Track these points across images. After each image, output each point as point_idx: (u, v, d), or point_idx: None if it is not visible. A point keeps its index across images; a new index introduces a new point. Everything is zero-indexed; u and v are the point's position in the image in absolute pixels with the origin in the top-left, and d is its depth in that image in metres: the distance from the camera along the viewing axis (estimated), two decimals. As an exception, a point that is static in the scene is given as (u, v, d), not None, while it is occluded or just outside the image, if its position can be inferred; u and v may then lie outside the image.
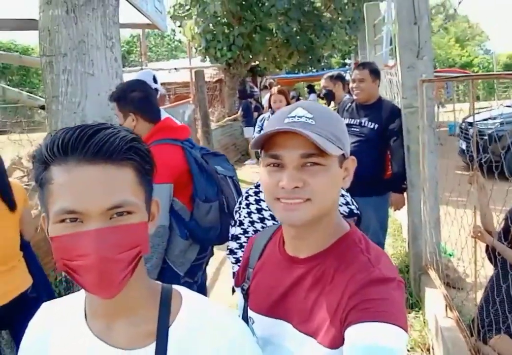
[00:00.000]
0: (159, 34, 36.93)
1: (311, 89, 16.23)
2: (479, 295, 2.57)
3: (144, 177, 0.84)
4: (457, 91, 18.61)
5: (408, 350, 3.10)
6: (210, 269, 4.69)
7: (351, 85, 3.79)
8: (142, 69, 6.74)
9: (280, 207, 0.96)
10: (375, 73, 3.70)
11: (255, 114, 11.88)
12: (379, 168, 3.70)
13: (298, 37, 12.01)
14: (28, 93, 4.01)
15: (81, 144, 0.78)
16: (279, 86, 5.68)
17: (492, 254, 2.29)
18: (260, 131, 5.26)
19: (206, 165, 2.33)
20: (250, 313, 1.13)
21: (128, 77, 3.81)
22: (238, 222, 1.87)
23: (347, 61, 24.32)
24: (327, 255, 1.02)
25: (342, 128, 1.02)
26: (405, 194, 3.71)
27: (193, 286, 2.39)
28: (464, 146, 8.37)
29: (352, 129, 3.72)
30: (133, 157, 0.81)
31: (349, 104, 3.88)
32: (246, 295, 1.17)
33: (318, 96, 4.95)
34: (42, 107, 3.72)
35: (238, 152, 13.00)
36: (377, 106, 3.70)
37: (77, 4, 2.77)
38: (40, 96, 4.16)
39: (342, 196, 1.92)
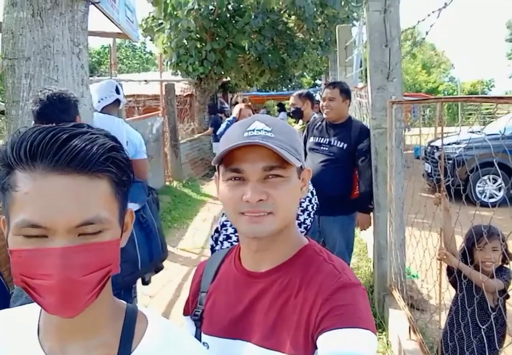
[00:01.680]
0: (130, 46, 36.78)
1: (281, 108, 16.34)
2: (443, 317, 2.56)
3: (121, 188, 0.77)
4: (423, 116, 19.10)
5: (370, 373, 3.05)
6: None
7: (321, 103, 3.79)
8: (110, 77, 6.61)
9: (244, 220, 0.96)
10: (346, 92, 3.71)
11: (226, 129, 11.83)
12: (347, 188, 3.69)
13: (270, 55, 12.10)
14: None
15: (52, 150, 0.69)
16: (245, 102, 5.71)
17: (457, 276, 2.27)
18: (228, 126, 5.21)
19: None
20: (204, 338, 1.08)
21: (93, 86, 3.72)
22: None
23: (317, 81, 24.67)
24: (290, 266, 1.02)
25: (298, 140, 1.03)
26: (371, 214, 3.70)
27: None
28: (429, 169, 8.53)
29: (321, 148, 3.72)
30: (110, 169, 0.73)
31: (319, 123, 3.88)
32: (199, 320, 1.11)
33: (288, 115, 4.96)
34: (2, 112, 3.57)
35: (206, 167, 12.92)
36: (346, 126, 3.70)
37: (44, 8, 2.68)
38: (1, 101, 4.01)
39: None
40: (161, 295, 4.37)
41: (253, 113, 4.96)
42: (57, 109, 2.27)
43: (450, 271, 2.37)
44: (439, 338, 2.39)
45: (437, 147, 8.63)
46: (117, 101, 3.61)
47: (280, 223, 0.97)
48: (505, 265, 2.25)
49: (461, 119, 20.77)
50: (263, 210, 0.94)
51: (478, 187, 7.77)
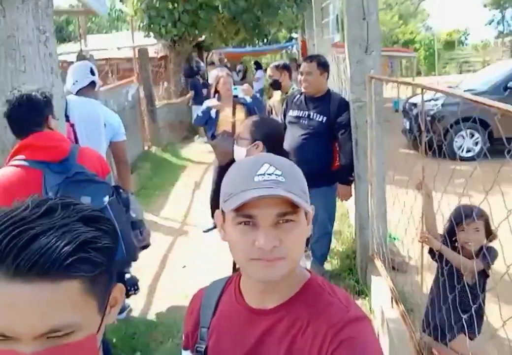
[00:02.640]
0: (99, 3, 35.21)
1: (258, 66, 16.09)
2: (425, 279, 2.63)
3: (96, 282, 0.70)
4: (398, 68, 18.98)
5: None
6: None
7: (299, 78, 3.76)
8: (81, 49, 6.41)
9: (256, 266, 0.95)
10: (323, 66, 3.68)
11: (204, 91, 11.65)
12: (327, 160, 3.72)
13: (245, 14, 11.74)
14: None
15: (10, 256, 0.63)
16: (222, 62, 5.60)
17: (438, 259, 2.35)
18: (205, 113, 5.10)
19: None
20: None
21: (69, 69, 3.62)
22: None
23: (294, 35, 24.16)
24: (296, 302, 1.02)
25: (304, 181, 1.01)
26: (352, 185, 3.76)
27: None
28: (407, 126, 8.58)
29: (301, 121, 3.72)
30: (78, 271, 0.66)
31: (298, 96, 3.85)
32: None
33: (271, 85, 4.89)
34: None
35: (185, 130, 12.79)
36: (325, 99, 3.69)
37: (4, -4, 2.56)
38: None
39: None
40: (145, 267, 4.39)
41: (231, 76, 4.95)
42: (26, 110, 2.19)
43: (432, 252, 2.45)
44: (423, 310, 2.50)
45: (414, 104, 8.66)
46: (93, 83, 3.52)
47: (291, 267, 0.97)
48: (490, 244, 2.31)
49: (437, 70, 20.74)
50: (275, 256, 0.93)
51: (456, 142, 7.87)
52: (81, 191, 2.07)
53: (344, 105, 3.61)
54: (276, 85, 4.77)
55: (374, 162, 3.31)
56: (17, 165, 2.10)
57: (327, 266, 4.17)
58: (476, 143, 8.12)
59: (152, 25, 11.59)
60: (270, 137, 2.31)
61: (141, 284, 4.17)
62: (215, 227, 5.56)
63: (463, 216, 2.10)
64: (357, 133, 3.51)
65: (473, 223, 2.22)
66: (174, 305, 3.86)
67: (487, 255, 2.14)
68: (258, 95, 5.44)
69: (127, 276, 2.50)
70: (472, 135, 8.12)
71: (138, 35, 13.19)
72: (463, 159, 7.25)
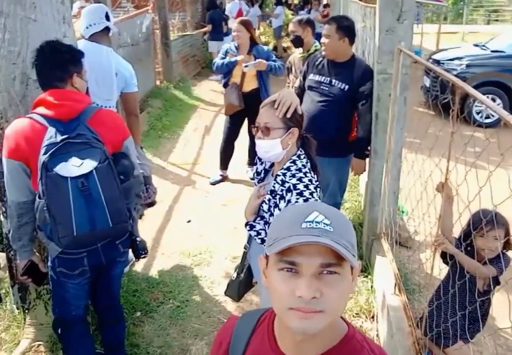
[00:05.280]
0: None
1: (278, 1, 15.28)
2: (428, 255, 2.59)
3: None
4: (425, 15, 18.08)
5: (353, 316, 3.21)
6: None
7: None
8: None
9: (294, 316, 0.92)
10: (344, 30, 3.44)
11: (223, 26, 11.15)
12: (344, 130, 3.58)
13: None
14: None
15: None
16: (245, 18, 5.29)
17: (449, 260, 2.29)
18: (223, 58, 4.95)
19: (42, 157, 2.03)
20: None
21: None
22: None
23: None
24: None
25: (353, 233, 0.98)
26: (367, 160, 3.63)
27: (74, 278, 2.27)
28: (427, 84, 8.26)
29: (321, 87, 3.54)
30: None
31: (320, 59, 3.63)
32: None
33: (291, 42, 4.67)
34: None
35: (198, 65, 12.40)
36: (349, 66, 3.48)
37: None
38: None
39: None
40: (151, 216, 4.37)
41: (248, 29, 4.73)
42: (51, 65, 2.19)
43: (444, 254, 2.37)
44: (424, 311, 2.47)
45: (438, 61, 8.28)
46: (107, 29, 3.34)
47: (329, 321, 0.94)
48: (505, 251, 2.24)
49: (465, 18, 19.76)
50: (315, 309, 0.91)
51: (476, 106, 7.60)
52: (75, 153, 2.06)
53: (368, 75, 3.41)
54: (297, 42, 4.49)
55: (393, 140, 3.17)
56: (29, 118, 2.14)
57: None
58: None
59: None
60: (302, 120, 2.16)
61: (145, 235, 4.20)
62: (222, 180, 5.52)
63: (483, 221, 2.00)
64: (378, 106, 3.34)
65: (493, 231, 2.13)
66: (176, 263, 3.87)
67: (502, 262, 2.07)
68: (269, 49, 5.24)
69: (138, 240, 2.47)
70: (494, 101, 7.83)
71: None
72: (480, 125, 7.03)
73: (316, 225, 0.91)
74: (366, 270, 3.58)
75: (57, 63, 2.19)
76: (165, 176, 5.77)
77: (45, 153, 2.01)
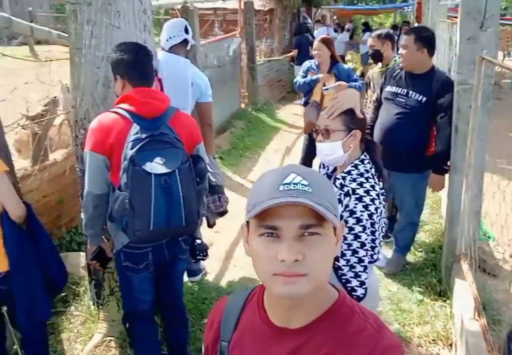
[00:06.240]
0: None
1: (366, 28, 15.20)
2: None
3: None
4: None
5: (429, 342, 2.98)
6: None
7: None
8: (185, 1, 6.32)
9: (278, 281, 0.91)
10: (423, 41, 3.32)
11: (310, 50, 11.22)
12: (422, 144, 3.43)
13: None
14: (59, 32, 3.77)
15: None
16: (323, 35, 5.24)
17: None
18: (304, 76, 4.95)
19: (129, 151, 2.08)
20: None
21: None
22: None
23: (411, -5, 22.50)
24: (324, 323, 0.98)
25: (334, 193, 0.98)
26: (446, 175, 3.42)
27: (139, 272, 2.33)
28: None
29: (397, 99, 3.43)
30: None
31: (398, 71, 3.52)
32: None
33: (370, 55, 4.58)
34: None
35: (284, 89, 12.55)
36: (427, 77, 3.36)
37: None
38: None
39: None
40: (227, 231, 4.42)
41: (329, 48, 4.66)
42: (146, 63, 2.30)
43: None
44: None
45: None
46: (185, 42, 3.48)
47: (314, 285, 0.92)
48: None
49: None
50: (298, 272, 0.89)
51: None
52: (159, 152, 2.12)
53: (448, 86, 3.25)
54: (376, 56, 4.41)
55: (473, 154, 2.97)
56: (113, 112, 2.21)
57: (410, 257, 3.93)
58: None
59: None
60: (364, 124, 2.09)
61: (219, 248, 4.26)
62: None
63: None
64: (458, 118, 3.16)
65: None
66: (247, 275, 3.86)
67: None
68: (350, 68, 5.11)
69: (197, 241, 2.49)
70: None
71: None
72: None
73: (294, 187, 0.89)
74: (445, 294, 3.34)
75: (146, 64, 2.30)
76: (243, 193, 5.81)
77: (131, 148, 2.08)
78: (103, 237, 2.43)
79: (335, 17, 21.46)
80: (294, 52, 11.50)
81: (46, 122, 3.55)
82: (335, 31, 14.16)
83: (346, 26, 17.03)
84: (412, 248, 3.93)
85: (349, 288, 1.86)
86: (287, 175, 0.92)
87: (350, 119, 1.98)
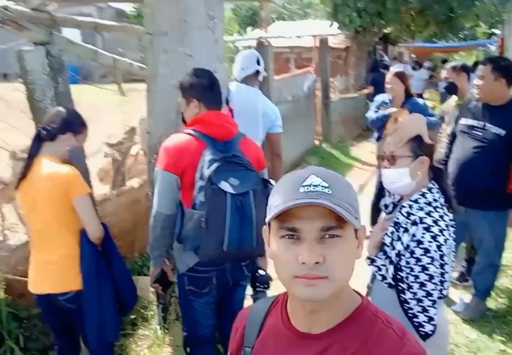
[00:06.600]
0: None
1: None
2: None
3: None
4: None
5: None
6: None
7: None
8: (260, 36, 6.51)
9: (299, 284, 0.91)
10: (501, 70, 3.12)
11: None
12: (501, 180, 3.18)
13: (436, 5, 10.83)
14: (140, 64, 3.98)
15: None
16: (397, 69, 5.12)
17: None
18: (376, 112, 4.87)
19: (206, 171, 2.09)
20: None
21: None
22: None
23: (495, 31, 21.82)
24: (346, 329, 0.97)
25: (355, 196, 0.97)
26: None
27: (202, 296, 2.30)
28: None
29: (474, 132, 3.23)
30: None
31: (474, 102, 3.34)
32: None
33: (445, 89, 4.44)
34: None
35: (359, 127, 12.40)
36: (506, 109, 3.15)
37: (181, -18, 2.60)
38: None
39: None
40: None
41: (404, 82, 4.55)
42: (218, 88, 2.37)
43: None
44: None
45: None
46: (257, 73, 3.55)
47: (336, 288, 0.92)
48: None
49: None
50: (319, 275, 0.90)
51: None
52: (232, 173, 2.13)
53: None
54: (452, 89, 4.26)
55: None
56: (187, 133, 2.25)
57: (490, 303, 3.62)
58: None
59: (337, 14, 11.38)
60: (433, 150, 1.98)
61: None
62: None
63: None
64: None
65: None
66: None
67: None
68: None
69: (261, 272, 2.42)
70: None
71: (321, 25, 13.10)
72: None
73: (314, 188, 0.90)
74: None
75: (218, 88, 2.37)
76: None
77: (209, 168, 2.10)
78: (165, 260, 2.43)
79: (413, 55, 21.20)
80: (370, 89, 11.41)
81: (125, 150, 3.71)
82: (413, 68, 13.95)
83: (425, 64, 16.75)
84: (493, 293, 3.63)
85: (416, 324, 1.74)
86: (307, 177, 0.92)
87: (417, 145, 1.90)
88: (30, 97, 2.96)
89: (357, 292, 1.04)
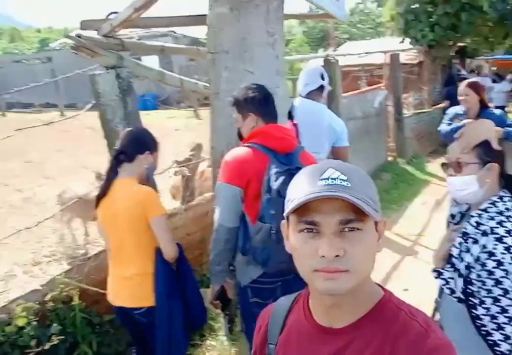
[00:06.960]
0: (363, 11, 35.91)
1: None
2: None
3: None
4: None
5: None
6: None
7: None
8: (327, 55, 6.54)
9: (320, 277, 0.91)
10: None
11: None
12: None
13: (514, 15, 10.36)
14: (205, 84, 4.14)
15: None
16: (471, 80, 4.91)
17: None
18: (449, 125, 4.69)
19: (274, 184, 2.06)
20: None
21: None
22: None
23: None
24: (369, 322, 0.96)
25: (374, 189, 0.96)
26: None
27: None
28: None
29: None
30: None
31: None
32: None
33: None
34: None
35: (434, 143, 11.98)
36: None
37: (241, 1, 2.70)
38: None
39: None
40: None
41: (479, 93, 4.35)
42: (273, 102, 2.39)
43: None
44: None
45: None
46: (321, 88, 3.56)
47: (356, 281, 0.91)
48: None
49: None
50: (339, 268, 0.89)
51: None
52: None
53: None
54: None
55: None
56: (249, 147, 2.25)
57: None
58: None
59: (408, 30, 11.18)
60: (502, 156, 1.88)
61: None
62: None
63: None
64: None
65: None
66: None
67: None
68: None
69: None
70: None
71: (392, 41, 12.90)
72: None
73: (332, 181, 0.89)
74: None
75: (272, 102, 2.38)
76: (387, 245, 5.58)
77: (276, 181, 2.10)
78: (226, 277, 2.40)
79: (494, 68, 20.30)
80: (445, 103, 11.03)
81: (193, 165, 3.85)
82: (493, 81, 13.33)
83: (508, 77, 15.97)
84: None
85: (491, 342, 1.61)
86: (325, 170, 0.91)
87: (485, 151, 1.79)
88: (102, 118, 3.16)
89: (379, 285, 1.02)
